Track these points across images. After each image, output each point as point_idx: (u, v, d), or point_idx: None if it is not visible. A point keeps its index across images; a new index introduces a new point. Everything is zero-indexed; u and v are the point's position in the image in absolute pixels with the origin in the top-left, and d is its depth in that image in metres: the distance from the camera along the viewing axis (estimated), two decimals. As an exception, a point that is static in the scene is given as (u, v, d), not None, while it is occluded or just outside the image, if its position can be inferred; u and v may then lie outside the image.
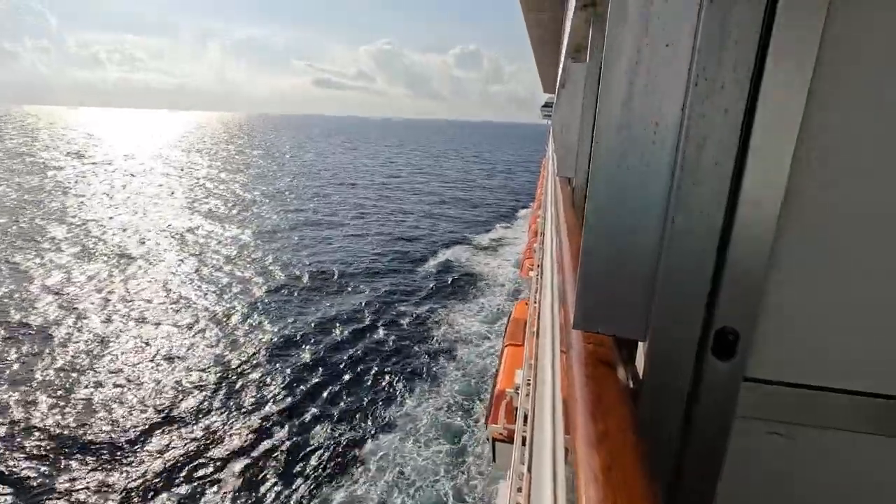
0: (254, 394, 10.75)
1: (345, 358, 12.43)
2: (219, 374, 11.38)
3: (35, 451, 8.91)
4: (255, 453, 9.00)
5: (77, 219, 25.53)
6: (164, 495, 8.08)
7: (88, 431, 9.46)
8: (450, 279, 18.50)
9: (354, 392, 11.07)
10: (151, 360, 11.88)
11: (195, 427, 9.62)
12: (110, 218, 26.11)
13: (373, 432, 9.69)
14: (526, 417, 2.94)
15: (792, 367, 0.88)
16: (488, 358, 12.26)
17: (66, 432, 9.39)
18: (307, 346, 12.85)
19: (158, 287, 16.50)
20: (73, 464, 8.67)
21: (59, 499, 7.95)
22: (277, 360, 12.11)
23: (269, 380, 11.29)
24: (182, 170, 49.68)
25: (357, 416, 10.20)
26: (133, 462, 8.74)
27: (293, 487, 8.28)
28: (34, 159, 52.08)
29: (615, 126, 0.81)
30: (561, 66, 5.64)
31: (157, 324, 13.78)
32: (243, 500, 8.03)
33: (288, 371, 11.66)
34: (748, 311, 0.81)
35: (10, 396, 10.26)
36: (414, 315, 15.22)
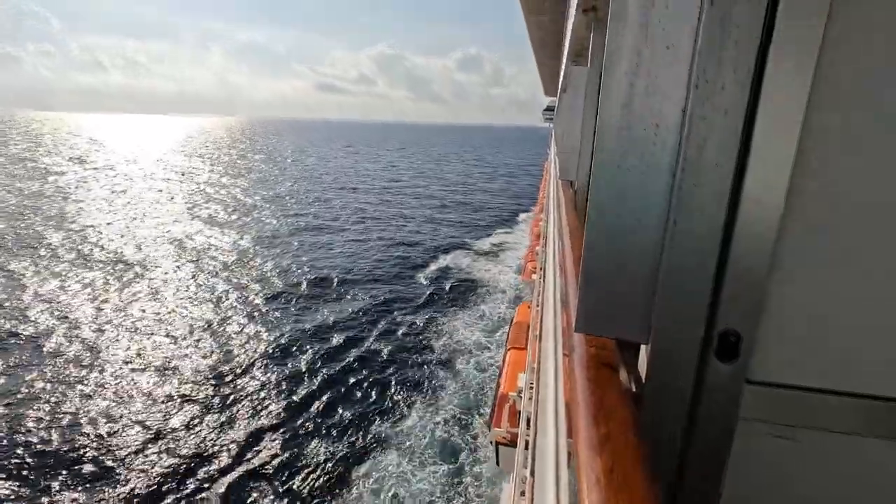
0: (245, 407, 10.43)
1: (341, 370, 12.10)
2: (210, 387, 11.09)
3: (20, 466, 8.64)
4: (243, 470, 8.70)
5: (75, 224, 25.38)
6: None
7: (76, 444, 9.19)
8: (450, 286, 18.20)
9: (349, 406, 10.73)
10: (143, 371, 11.60)
11: (183, 443, 9.32)
12: (108, 224, 25.96)
13: (367, 450, 9.32)
14: (529, 421, 3.01)
15: (795, 369, 0.87)
16: (488, 371, 11.91)
17: (52, 447, 9.12)
18: (303, 358, 12.55)
19: (153, 295, 16.25)
20: (59, 479, 8.40)
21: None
22: (271, 372, 11.81)
23: (261, 393, 10.97)
24: (183, 174, 49.68)
25: (351, 431, 9.86)
26: (121, 476, 8.47)
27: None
28: (36, 164, 52.16)
29: (616, 128, 0.81)
30: (562, 70, 5.66)
31: (151, 334, 13.51)
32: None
33: (282, 384, 11.34)
34: (750, 312, 0.81)
35: (-4, 410, 10.01)
36: (412, 324, 14.89)
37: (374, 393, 11.22)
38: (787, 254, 0.82)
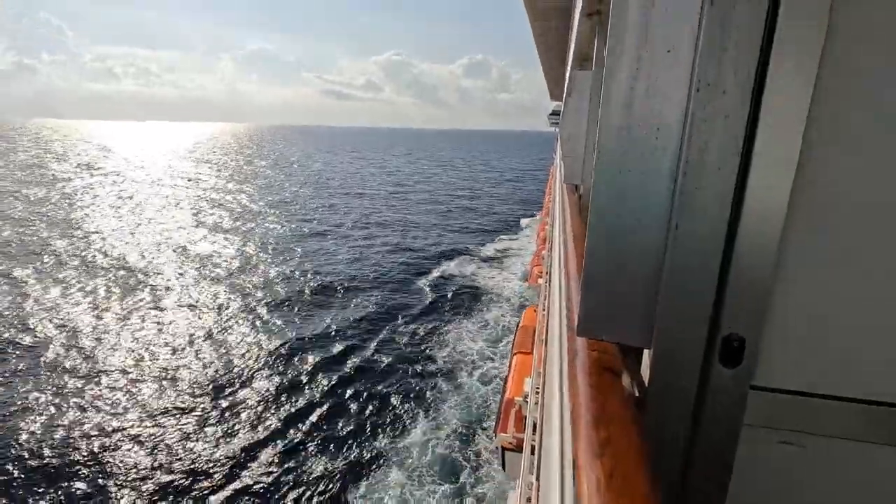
0: (242, 420, 10.18)
1: (341, 381, 11.81)
2: (208, 399, 10.86)
3: (13, 478, 8.45)
4: (239, 486, 8.45)
5: (80, 231, 25.43)
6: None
7: (71, 457, 9.00)
8: (454, 293, 17.92)
9: (348, 419, 10.43)
10: (140, 382, 11.40)
11: (178, 456, 9.08)
12: (113, 230, 26.00)
13: (366, 467, 8.99)
14: (535, 426, 3.00)
15: (800, 374, 0.86)
16: (491, 384, 11.58)
17: (46, 459, 8.93)
18: (303, 369, 12.29)
19: (155, 303, 16.11)
20: (52, 493, 8.20)
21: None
22: (270, 384, 11.56)
23: (259, 406, 10.70)
24: (190, 181, 49.92)
25: (349, 447, 9.55)
26: (115, 491, 8.26)
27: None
28: (45, 171, 52.70)
29: (617, 130, 0.81)
30: (567, 74, 5.64)
31: (150, 343, 13.33)
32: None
33: (281, 396, 11.08)
34: (754, 317, 0.80)
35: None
36: (415, 333, 14.61)
37: (374, 406, 10.92)
38: (790, 256, 0.81)
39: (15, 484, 8.42)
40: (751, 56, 0.71)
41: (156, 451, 9.23)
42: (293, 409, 10.61)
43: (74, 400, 10.65)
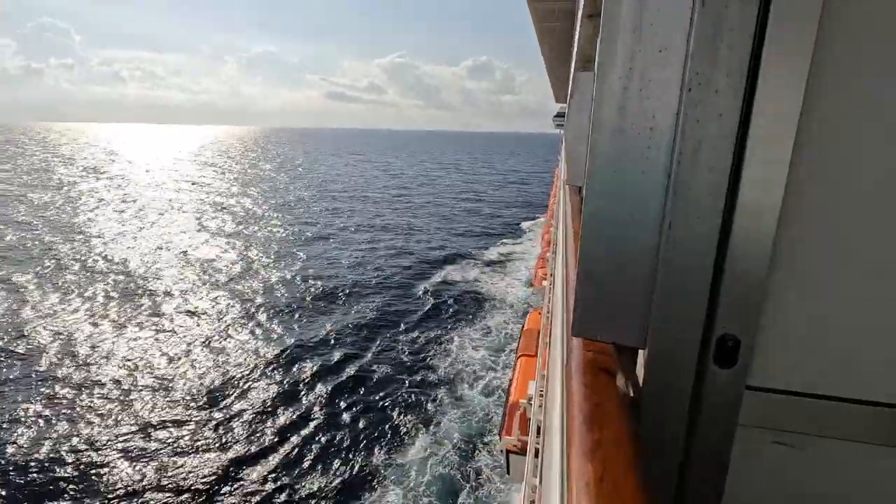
0: (235, 434, 9.84)
1: (339, 392, 11.50)
2: (202, 410, 10.58)
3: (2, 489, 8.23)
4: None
5: (82, 235, 25.37)
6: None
7: (63, 468, 8.77)
8: (456, 299, 17.59)
9: (344, 433, 10.10)
10: (133, 391, 11.15)
11: (168, 467, 8.80)
12: (116, 234, 25.92)
13: (359, 487, 8.62)
14: (539, 429, 2.99)
15: (796, 375, 0.87)
16: (492, 396, 11.23)
17: (36, 469, 8.70)
18: (300, 379, 11.98)
19: (154, 309, 15.91)
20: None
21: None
22: (265, 394, 11.24)
23: (253, 418, 10.36)
24: (194, 184, 49.97)
25: (345, 464, 9.19)
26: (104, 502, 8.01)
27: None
28: (51, 175, 52.94)
29: (610, 130, 0.81)
30: (571, 75, 5.51)
31: (147, 351, 13.10)
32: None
33: (276, 409, 10.78)
34: (749, 317, 0.80)
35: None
36: (415, 341, 14.28)
37: (372, 419, 10.57)
38: (784, 257, 0.81)
39: (4, 494, 8.20)
40: (743, 56, 0.71)
41: (146, 463, 8.96)
42: (288, 424, 10.30)
43: (65, 411, 10.41)
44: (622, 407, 0.80)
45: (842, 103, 0.76)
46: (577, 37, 4.21)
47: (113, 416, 10.28)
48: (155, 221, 29.83)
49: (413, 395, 11.43)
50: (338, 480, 8.78)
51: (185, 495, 8.32)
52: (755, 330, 0.81)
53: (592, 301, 0.87)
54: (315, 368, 12.41)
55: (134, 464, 8.99)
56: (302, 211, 34.99)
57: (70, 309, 15.68)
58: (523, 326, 8.36)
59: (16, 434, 9.64)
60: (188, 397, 11.05)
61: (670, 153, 0.78)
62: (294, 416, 10.53)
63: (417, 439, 9.90)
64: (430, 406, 11.03)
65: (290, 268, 20.70)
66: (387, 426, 10.36)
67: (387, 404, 11.12)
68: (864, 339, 0.83)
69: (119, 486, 8.48)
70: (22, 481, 8.53)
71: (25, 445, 9.35)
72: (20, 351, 12.84)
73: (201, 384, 11.57)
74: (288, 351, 13.24)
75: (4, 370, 11.89)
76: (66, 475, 8.69)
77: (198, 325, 14.78)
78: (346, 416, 10.66)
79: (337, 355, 13.14)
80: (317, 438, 9.89)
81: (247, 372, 12.19)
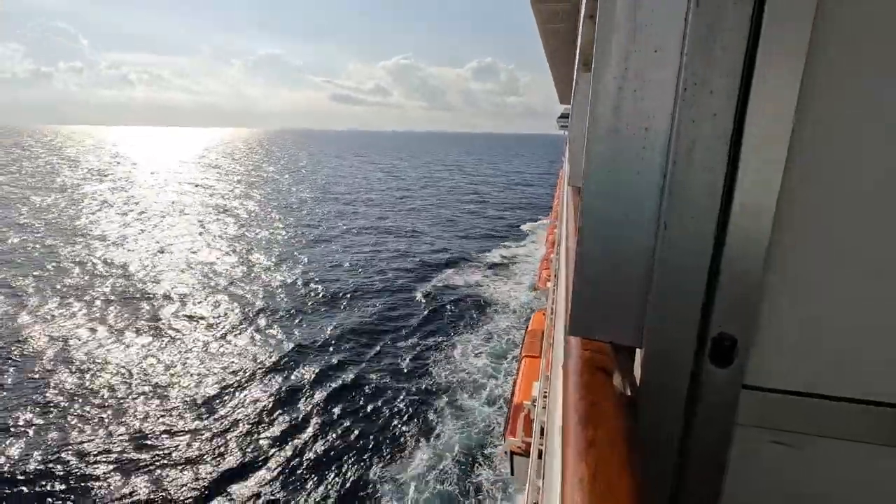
0: (229, 444, 9.61)
1: (338, 401, 11.25)
2: (197, 417, 10.37)
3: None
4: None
5: (84, 239, 25.30)
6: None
7: (58, 476, 8.61)
8: (459, 304, 17.32)
9: (342, 444, 9.83)
10: (129, 398, 10.97)
11: (158, 478, 8.60)
12: (117, 237, 25.84)
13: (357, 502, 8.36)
14: (543, 430, 2.95)
15: (793, 374, 0.86)
16: (494, 405, 10.96)
17: (29, 477, 8.52)
18: (299, 385, 11.76)
19: (153, 313, 15.75)
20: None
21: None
22: (261, 403, 11.01)
23: (248, 429, 10.13)
24: (197, 186, 50.03)
25: (340, 478, 8.91)
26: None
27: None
28: (55, 177, 53.15)
29: (605, 131, 0.81)
30: (574, 77, 5.45)
31: (143, 357, 12.91)
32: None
33: (273, 419, 10.54)
34: (745, 316, 0.81)
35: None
36: (416, 347, 14.02)
37: (370, 430, 10.31)
38: (780, 256, 0.81)
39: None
40: (737, 56, 0.72)
41: (140, 473, 8.78)
42: (285, 434, 10.06)
43: (60, 419, 10.23)
44: (618, 406, 0.79)
45: (836, 104, 0.75)
46: (579, 38, 4.18)
47: (107, 424, 10.09)
48: (157, 224, 29.77)
49: (413, 405, 11.16)
50: (334, 496, 8.51)
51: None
52: (752, 329, 0.81)
53: (589, 300, 0.87)
54: (313, 376, 12.18)
55: (128, 473, 8.82)
56: (304, 213, 34.85)
57: (68, 313, 15.54)
58: (527, 327, 8.36)
59: (7, 443, 9.46)
60: (183, 405, 10.84)
61: (665, 153, 0.78)
62: (291, 427, 10.29)
63: (417, 451, 9.63)
64: (430, 416, 10.75)
65: (291, 271, 20.51)
66: (386, 437, 10.10)
67: (386, 414, 10.86)
68: (862, 338, 0.82)
69: (114, 494, 8.32)
70: (14, 490, 8.37)
71: (18, 453, 9.17)
72: (15, 356, 12.69)
73: (197, 392, 11.37)
74: (287, 358, 13.02)
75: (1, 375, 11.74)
76: (61, 483, 8.54)
77: (196, 331, 14.59)
78: (343, 427, 10.40)
79: (336, 362, 12.90)
80: (314, 450, 9.63)
81: (244, 379, 11.97)
